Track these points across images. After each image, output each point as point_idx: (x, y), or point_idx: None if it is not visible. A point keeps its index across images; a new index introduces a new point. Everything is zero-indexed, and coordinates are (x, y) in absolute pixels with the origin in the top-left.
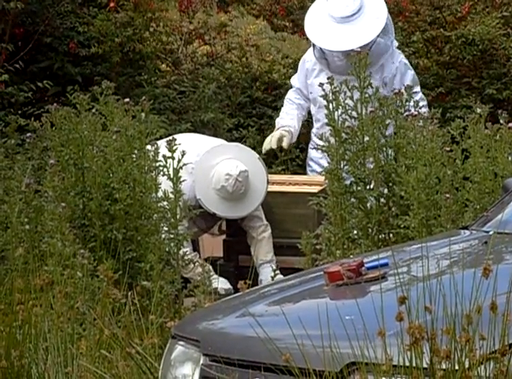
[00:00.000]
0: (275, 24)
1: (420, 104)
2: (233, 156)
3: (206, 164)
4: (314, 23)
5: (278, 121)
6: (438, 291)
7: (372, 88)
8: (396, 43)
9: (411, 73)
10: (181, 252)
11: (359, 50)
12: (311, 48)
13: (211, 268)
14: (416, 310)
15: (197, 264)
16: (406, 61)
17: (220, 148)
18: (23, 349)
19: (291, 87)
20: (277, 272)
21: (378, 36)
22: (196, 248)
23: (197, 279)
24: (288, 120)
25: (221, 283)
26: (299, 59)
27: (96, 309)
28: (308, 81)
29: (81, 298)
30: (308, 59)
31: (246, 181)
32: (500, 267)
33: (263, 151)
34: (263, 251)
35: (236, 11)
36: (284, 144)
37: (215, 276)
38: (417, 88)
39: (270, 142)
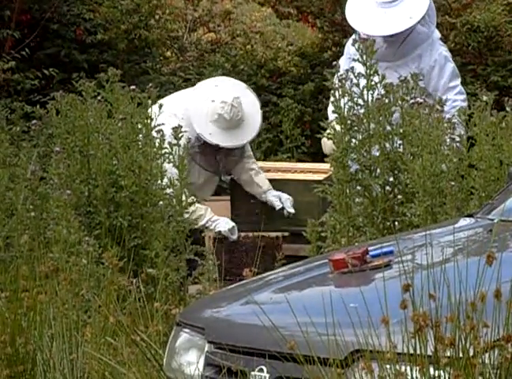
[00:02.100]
0: (280, 11)
1: (454, 104)
2: (223, 87)
3: (199, 101)
4: (355, 7)
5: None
6: (443, 279)
7: (379, 75)
8: (438, 35)
9: (451, 65)
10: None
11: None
12: None
13: (210, 209)
14: (420, 298)
15: (197, 207)
16: (447, 54)
17: (208, 83)
18: (28, 336)
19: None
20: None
21: (418, 22)
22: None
23: (200, 223)
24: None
25: (223, 224)
26: (304, 46)
27: (101, 296)
28: (350, 67)
29: (86, 285)
30: (351, 45)
31: (241, 107)
32: (504, 255)
33: (323, 146)
34: (264, 180)
35: None
36: None
37: (216, 218)
38: (456, 82)
39: (329, 146)
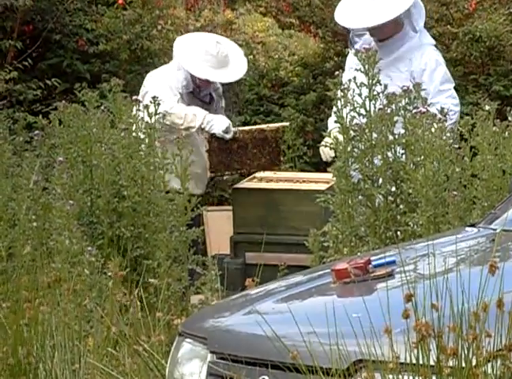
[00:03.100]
0: (282, 21)
1: (445, 109)
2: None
3: (187, 47)
4: (343, 5)
5: (330, 121)
6: (445, 289)
7: (381, 84)
8: (431, 41)
9: (442, 69)
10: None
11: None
12: None
13: (201, 110)
14: (423, 308)
15: (192, 114)
16: (439, 59)
17: (191, 35)
18: (30, 347)
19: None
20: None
21: (401, 15)
22: (200, 247)
23: (195, 125)
24: None
25: (218, 126)
26: (306, 56)
27: (104, 306)
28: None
29: (89, 295)
30: (349, 56)
31: (226, 45)
32: (507, 264)
33: (322, 155)
34: None
35: (243, 8)
36: None
37: (210, 118)
38: (447, 86)
39: (328, 152)
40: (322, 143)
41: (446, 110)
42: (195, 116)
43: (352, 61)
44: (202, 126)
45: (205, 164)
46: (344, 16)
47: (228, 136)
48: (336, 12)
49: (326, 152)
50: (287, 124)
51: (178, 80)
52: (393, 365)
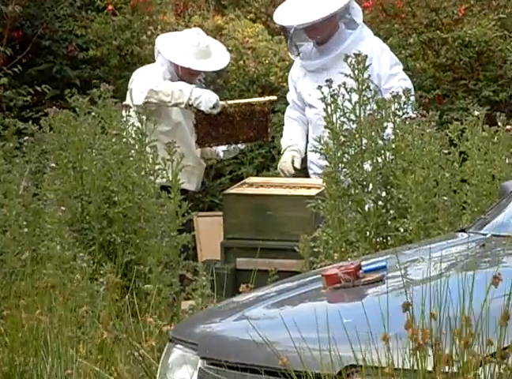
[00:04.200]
0: (271, 27)
1: (398, 90)
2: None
3: (168, 40)
4: (284, 5)
5: (283, 142)
6: (436, 294)
7: (371, 90)
8: (370, 32)
9: (388, 53)
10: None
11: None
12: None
13: (187, 85)
14: (421, 314)
15: (178, 89)
16: (382, 45)
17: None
18: (25, 355)
19: (289, 104)
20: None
21: (335, 14)
22: (191, 252)
23: (182, 101)
24: (292, 139)
25: (205, 103)
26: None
27: (96, 312)
28: (298, 90)
29: (83, 301)
30: (292, 72)
31: (206, 38)
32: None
33: (282, 174)
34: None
35: (232, 14)
36: (296, 165)
37: (197, 94)
38: (396, 69)
39: (287, 168)
40: (279, 165)
41: (406, 93)
42: (182, 92)
43: (296, 72)
44: (190, 103)
45: (196, 157)
46: (282, 15)
47: (216, 111)
48: (275, 12)
49: (286, 170)
50: (274, 98)
51: (163, 74)
52: (388, 370)
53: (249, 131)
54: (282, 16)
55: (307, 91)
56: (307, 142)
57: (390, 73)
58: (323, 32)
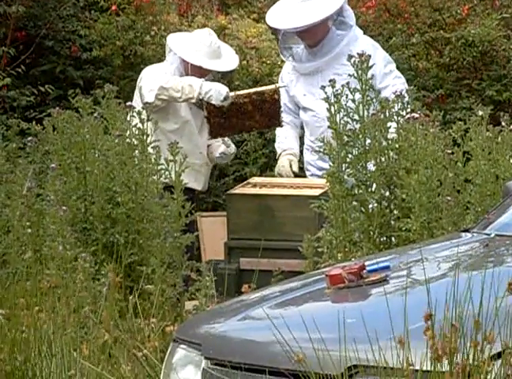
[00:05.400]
0: None
1: (393, 88)
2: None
3: (180, 38)
4: (276, 7)
5: (278, 146)
6: (440, 295)
7: (374, 90)
8: (361, 32)
9: (381, 52)
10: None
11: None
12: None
13: (196, 79)
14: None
15: (187, 85)
16: (374, 43)
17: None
18: (27, 354)
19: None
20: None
21: (329, 17)
22: (195, 252)
23: (193, 96)
24: (287, 143)
25: (215, 97)
26: None
27: (99, 312)
28: (291, 94)
29: (85, 301)
30: (284, 75)
31: (217, 39)
32: (501, 269)
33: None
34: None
35: (236, 14)
36: (295, 168)
37: (207, 88)
38: (390, 67)
39: (286, 172)
40: (276, 169)
41: (402, 93)
42: (191, 87)
43: (288, 75)
44: (200, 97)
45: (202, 155)
46: (276, 17)
47: (227, 103)
48: (267, 14)
49: (285, 174)
50: (284, 84)
51: (172, 72)
52: (405, 372)
53: (261, 119)
54: (276, 19)
55: (302, 95)
56: (301, 145)
57: (385, 72)
58: (316, 35)
